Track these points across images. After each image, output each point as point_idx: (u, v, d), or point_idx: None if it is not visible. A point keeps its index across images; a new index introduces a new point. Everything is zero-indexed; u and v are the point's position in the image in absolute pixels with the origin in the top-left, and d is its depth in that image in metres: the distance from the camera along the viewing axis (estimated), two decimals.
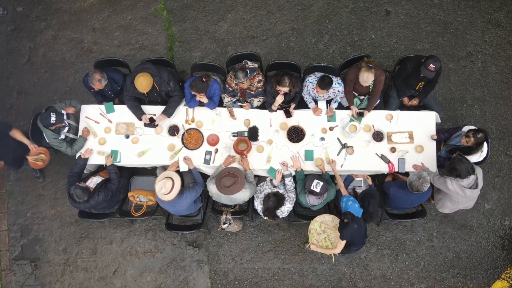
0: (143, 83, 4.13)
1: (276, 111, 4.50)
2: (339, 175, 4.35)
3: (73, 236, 5.16)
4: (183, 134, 4.48)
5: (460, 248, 4.96)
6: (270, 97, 4.39)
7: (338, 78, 4.44)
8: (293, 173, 4.31)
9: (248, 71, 4.16)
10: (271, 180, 4.27)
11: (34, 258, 5.15)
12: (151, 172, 4.94)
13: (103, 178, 4.33)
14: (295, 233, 5.03)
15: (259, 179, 4.51)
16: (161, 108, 4.48)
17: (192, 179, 4.37)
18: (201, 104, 4.50)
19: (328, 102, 4.58)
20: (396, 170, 4.35)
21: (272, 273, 4.98)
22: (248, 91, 4.38)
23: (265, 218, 4.04)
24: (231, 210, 4.46)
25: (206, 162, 4.42)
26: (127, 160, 4.46)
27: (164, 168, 4.54)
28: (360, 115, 4.44)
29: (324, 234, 4.12)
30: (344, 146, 4.41)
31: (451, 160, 3.79)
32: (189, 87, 4.22)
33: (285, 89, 4.16)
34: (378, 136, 4.40)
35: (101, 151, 4.46)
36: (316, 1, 5.64)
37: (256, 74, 4.29)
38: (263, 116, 4.53)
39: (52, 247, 5.15)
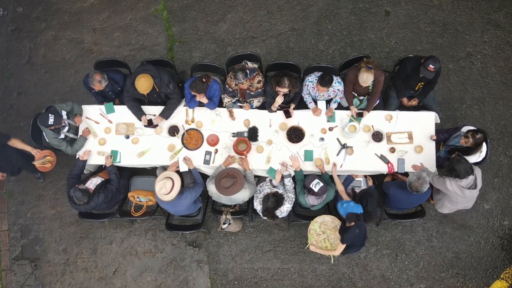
0: (143, 84, 4.14)
1: (275, 111, 4.51)
2: (339, 175, 4.37)
3: (73, 236, 5.17)
4: (183, 134, 4.49)
5: (460, 248, 4.97)
6: (269, 97, 4.40)
7: (338, 77, 4.45)
8: (293, 174, 4.32)
9: (247, 71, 4.17)
10: (270, 181, 4.28)
11: (34, 258, 5.16)
12: (151, 172, 4.95)
13: (103, 179, 4.34)
14: (295, 233, 5.04)
15: (259, 179, 4.52)
16: (161, 108, 4.49)
17: (192, 179, 4.38)
18: (201, 104, 4.51)
19: (328, 102, 4.59)
20: (396, 170, 4.35)
21: (271, 273, 4.99)
22: (248, 91, 4.39)
23: (265, 218, 4.05)
24: (230, 210, 4.46)
25: (206, 162, 4.43)
26: (127, 160, 4.47)
27: (164, 168, 4.55)
28: (360, 115, 4.45)
29: (323, 235, 4.13)
30: (344, 146, 4.42)
31: (450, 161, 3.80)
32: (189, 87, 4.23)
33: (285, 90, 4.17)
34: (377, 137, 4.41)
35: (101, 151, 4.47)
36: (316, 2, 5.65)
37: (256, 74, 4.30)
38: (262, 116, 4.54)
39: (52, 247, 5.16)
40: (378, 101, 4.58)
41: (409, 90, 4.59)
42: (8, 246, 5.20)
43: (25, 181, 5.30)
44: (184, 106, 4.57)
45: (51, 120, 4.06)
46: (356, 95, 4.58)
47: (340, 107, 4.65)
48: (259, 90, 4.40)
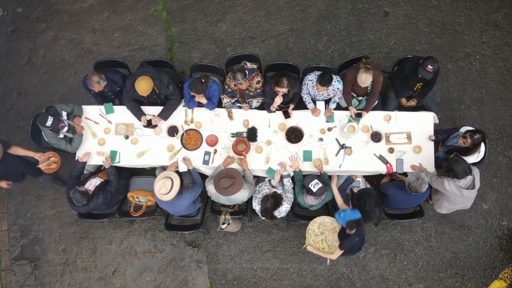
0: (144, 87, 4.15)
1: (274, 111, 4.52)
2: (338, 175, 4.38)
3: (72, 236, 5.18)
4: (182, 134, 4.50)
5: (458, 248, 4.98)
6: (269, 98, 4.41)
7: (338, 76, 4.46)
8: (292, 174, 4.33)
9: (247, 72, 4.18)
10: (269, 181, 4.29)
11: (34, 258, 5.17)
12: (151, 172, 4.96)
13: (102, 180, 4.34)
14: (294, 233, 5.05)
15: (258, 179, 4.52)
16: (161, 109, 4.50)
17: (191, 180, 4.39)
18: (200, 105, 4.52)
19: (327, 102, 4.60)
20: (394, 170, 4.36)
21: (271, 273, 5.00)
22: (247, 92, 4.40)
23: (263, 218, 4.06)
24: (230, 210, 4.48)
25: (205, 162, 4.44)
26: (126, 160, 4.48)
27: (164, 168, 4.55)
28: (358, 115, 4.46)
29: (322, 235, 4.13)
30: (343, 146, 4.43)
31: (448, 161, 3.81)
32: (188, 88, 4.24)
33: (284, 90, 4.18)
34: (376, 137, 4.42)
35: (101, 151, 4.48)
36: (315, 2, 5.66)
37: (255, 75, 4.31)
38: (262, 116, 4.55)
39: (52, 247, 5.17)
40: (377, 101, 4.59)
41: (407, 91, 4.60)
42: (7, 246, 5.21)
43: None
44: (183, 106, 4.58)
45: (49, 122, 4.06)
46: (355, 95, 4.59)
47: (339, 107, 4.66)
48: (258, 90, 4.41)
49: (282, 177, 4.23)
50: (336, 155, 4.43)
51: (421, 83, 4.47)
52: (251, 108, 4.59)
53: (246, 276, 5.01)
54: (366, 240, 4.80)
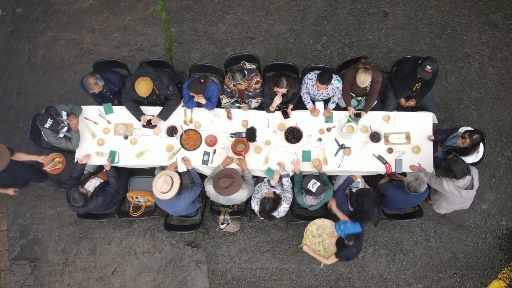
0: (144, 88, 4.16)
1: (274, 112, 4.52)
2: (336, 175, 4.37)
3: (72, 236, 5.18)
4: (181, 135, 4.50)
5: (457, 248, 4.98)
6: (268, 98, 4.41)
7: (337, 75, 4.47)
8: (291, 174, 4.33)
9: (246, 72, 4.18)
10: (268, 181, 4.30)
11: (33, 258, 5.17)
12: (150, 172, 4.97)
13: (102, 181, 4.34)
14: (293, 233, 5.05)
15: (257, 179, 4.52)
16: (160, 109, 4.50)
17: (190, 180, 4.39)
18: (199, 105, 4.52)
19: (326, 103, 4.61)
20: (393, 170, 4.37)
21: (270, 273, 5.00)
22: (246, 92, 4.41)
23: (262, 218, 4.06)
24: (229, 210, 4.48)
25: (204, 162, 4.44)
26: (125, 160, 4.48)
27: (163, 168, 4.55)
28: (358, 116, 4.46)
29: (319, 238, 4.11)
30: (342, 146, 4.43)
31: (447, 161, 3.82)
32: (187, 88, 4.24)
33: (283, 90, 4.18)
34: (375, 137, 4.43)
35: (100, 151, 4.48)
36: (314, 3, 5.67)
37: (254, 75, 4.32)
38: (261, 117, 4.56)
39: (51, 247, 5.17)
40: (376, 101, 4.59)
41: (406, 91, 4.60)
42: (7, 246, 5.21)
43: None
44: (182, 106, 4.58)
45: (47, 125, 4.06)
46: (354, 95, 4.60)
47: (338, 107, 4.66)
48: (257, 90, 4.41)
49: (281, 177, 4.23)
50: (335, 155, 4.44)
51: (420, 83, 4.48)
52: (250, 108, 4.59)
53: (245, 276, 5.01)
54: (366, 240, 4.82)
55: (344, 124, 4.41)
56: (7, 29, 5.74)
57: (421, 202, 4.37)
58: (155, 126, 4.51)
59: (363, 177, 4.53)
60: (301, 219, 4.41)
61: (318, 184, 3.88)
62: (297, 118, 4.53)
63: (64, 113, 4.34)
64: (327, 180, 4.29)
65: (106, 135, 4.54)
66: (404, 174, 4.38)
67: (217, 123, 4.56)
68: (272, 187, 4.23)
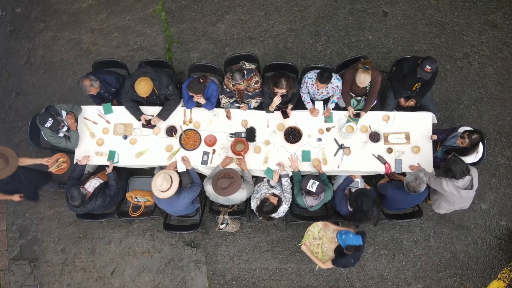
0: (144, 88, 4.16)
1: (273, 112, 4.52)
2: (336, 175, 4.36)
3: (71, 236, 5.18)
4: (181, 134, 4.50)
5: (457, 248, 4.98)
6: (267, 98, 4.41)
7: (337, 74, 4.47)
8: (290, 174, 4.33)
9: (245, 72, 4.18)
10: (268, 181, 4.29)
11: (32, 258, 5.17)
12: (149, 172, 4.96)
13: (102, 182, 4.34)
14: (293, 233, 5.05)
15: (256, 179, 4.52)
16: (160, 109, 4.50)
17: (189, 180, 4.39)
18: (198, 105, 4.52)
19: (325, 103, 4.60)
20: (393, 170, 4.36)
21: (269, 273, 5.00)
22: (245, 92, 4.40)
23: (260, 217, 4.06)
24: (228, 210, 4.47)
25: (204, 162, 4.44)
26: (125, 160, 4.48)
27: (162, 168, 4.55)
28: (357, 116, 4.46)
29: (319, 240, 4.10)
30: (341, 146, 4.43)
31: (446, 161, 3.82)
32: (187, 88, 4.24)
33: (282, 91, 4.18)
34: (374, 137, 4.42)
35: (99, 151, 4.48)
36: (314, 2, 5.67)
37: (254, 75, 4.31)
38: (260, 117, 4.55)
39: (51, 247, 5.17)
40: (375, 101, 4.58)
41: (406, 91, 4.60)
42: (6, 246, 5.21)
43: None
44: (182, 106, 4.58)
45: (48, 124, 4.07)
46: (353, 95, 4.59)
47: (337, 107, 4.65)
48: (257, 90, 4.41)
49: (280, 177, 4.23)
50: (335, 155, 4.43)
51: (419, 83, 4.47)
52: (249, 108, 4.59)
53: (245, 276, 5.01)
54: (365, 240, 4.81)
55: (343, 124, 4.40)
56: (6, 29, 5.74)
57: (421, 202, 4.37)
58: (154, 126, 4.51)
59: (363, 177, 4.53)
60: (300, 219, 4.40)
61: (317, 183, 3.88)
62: (296, 118, 4.53)
63: (64, 113, 4.34)
64: (326, 180, 4.29)
65: (105, 135, 4.54)
66: (404, 174, 4.38)
67: (217, 123, 4.55)
68: (271, 187, 4.22)
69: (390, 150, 4.41)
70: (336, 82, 4.39)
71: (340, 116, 4.53)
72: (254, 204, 4.12)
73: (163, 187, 3.89)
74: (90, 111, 4.59)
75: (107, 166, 4.36)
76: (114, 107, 4.59)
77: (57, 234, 5.19)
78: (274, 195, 4.05)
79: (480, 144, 4.02)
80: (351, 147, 4.43)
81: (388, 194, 4.15)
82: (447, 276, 4.93)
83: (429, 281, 4.93)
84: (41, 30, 5.72)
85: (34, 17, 5.77)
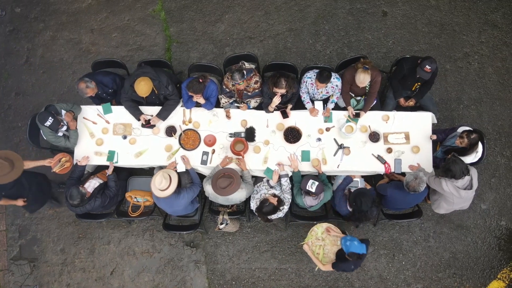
0: (143, 88, 4.15)
1: (273, 112, 4.51)
2: (336, 175, 4.35)
3: (71, 236, 5.17)
4: (180, 134, 4.49)
5: (457, 248, 4.97)
6: (267, 98, 4.40)
7: (336, 73, 4.46)
8: (290, 174, 4.32)
9: (245, 72, 4.18)
10: (267, 181, 4.29)
11: (32, 258, 5.17)
12: (149, 172, 4.96)
13: (101, 182, 4.34)
14: (292, 233, 5.04)
15: (256, 179, 4.52)
16: (159, 109, 4.49)
17: (189, 180, 4.38)
18: (198, 105, 4.51)
19: (325, 102, 4.60)
20: (392, 170, 4.36)
21: (269, 273, 4.99)
22: (245, 92, 4.40)
23: (259, 218, 4.06)
24: (228, 210, 4.47)
25: (203, 162, 4.43)
26: (124, 160, 4.47)
27: (162, 168, 4.55)
28: (357, 115, 4.46)
29: (321, 241, 4.09)
30: (341, 146, 4.43)
31: (446, 161, 3.82)
32: (186, 88, 4.23)
33: (282, 91, 4.17)
34: (374, 137, 4.42)
35: (99, 151, 4.48)
36: (313, 2, 5.66)
37: (253, 75, 4.31)
38: (260, 117, 4.55)
39: (50, 247, 5.17)
40: (375, 101, 4.58)
41: (406, 91, 4.59)
42: (6, 246, 5.20)
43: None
44: (181, 106, 4.58)
45: (48, 123, 4.07)
46: (353, 95, 4.59)
47: (337, 107, 4.65)
48: (256, 90, 4.40)
49: (280, 177, 4.23)
50: (334, 155, 4.43)
51: (419, 83, 4.47)
52: (249, 108, 4.58)
53: (245, 276, 5.00)
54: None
55: (343, 124, 4.40)
56: (6, 29, 5.73)
57: (420, 202, 4.37)
58: (154, 126, 4.50)
59: (363, 177, 4.53)
60: (300, 219, 4.40)
61: (317, 183, 3.87)
62: (296, 118, 4.52)
63: (63, 112, 4.34)
64: (326, 180, 4.28)
65: (105, 135, 4.53)
66: (403, 174, 4.37)
67: (216, 123, 4.55)
68: (271, 187, 4.22)
69: (389, 150, 4.41)
70: (335, 81, 4.39)
71: (339, 116, 4.52)
72: (253, 205, 4.12)
73: (162, 186, 3.88)
74: (90, 111, 4.59)
75: (107, 167, 4.36)
76: (113, 107, 4.58)
77: (57, 234, 5.19)
78: (274, 195, 4.04)
79: (480, 144, 4.02)
80: (351, 147, 4.43)
81: (387, 194, 4.15)
82: (447, 276, 4.93)
83: (428, 281, 4.92)
84: (41, 30, 5.72)
85: (34, 17, 5.77)
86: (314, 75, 4.32)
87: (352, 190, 4.28)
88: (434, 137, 4.36)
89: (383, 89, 5.01)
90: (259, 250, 5.04)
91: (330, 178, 4.65)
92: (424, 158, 4.36)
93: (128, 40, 5.64)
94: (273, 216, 4.00)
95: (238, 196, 4.05)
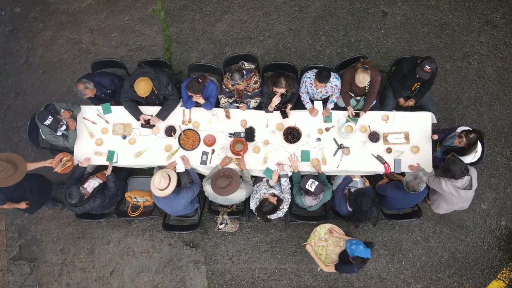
0: (143, 88, 4.15)
1: (272, 111, 4.51)
2: (336, 175, 4.35)
3: (70, 236, 5.17)
4: (180, 134, 4.49)
5: (456, 248, 4.97)
6: (266, 98, 4.40)
7: (336, 73, 4.46)
8: (289, 174, 4.32)
9: (244, 72, 4.17)
10: (267, 181, 4.29)
11: (31, 258, 5.17)
12: (148, 172, 4.95)
13: (101, 182, 4.33)
14: (292, 233, 5.04)
15: (256, 179, 4.52)
16: (159, 108, 4.49)
17: (189, 179, 4.39)
18: (197, 105, 4.51)
19: (324, 102, 4.60)
20: (392, 170, 4.36)
21: (269, 273, 4.99)
22: (244, 92, 4.40)
23: (259, 218, 4.06)
24: (227, 210, 4.47)
25: (203, 162, 4.43)
26: (124, 160, 4.47)
27: (161, 168, 4.55)
28: (356, 115, 4.46)
29: (324, 242, 4.09)
30: (340, 146, 4.43)
31: (445, 161, 3.82)
32: (186, 88, 4.23)
33: (282, 90, 4.17)
34: (374, 137, 4.42)
35: (98, 151, 4.47)
36: (313, 2, 5.66)
37: (253, 75, 4.31)
38: (259, 116, 4.55)
39: (50, 248, 5.16)
40: (374, 101, 4.58)
41: (405, 91, 4.59)
42: (5, 246, 5.20)
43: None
44: (181, 106, 4.57)
45: (47, 122, 4.08)
46: (353, 95, 4.59)
47: (337, 107, 4.65)
48: (256, 90, 4.40)
49: (279, 177, 4.22)
50: (334, 155, 4.43)
51: (419, 83, 4.47)
52: (248, 108, 4.58)
53: (244, 276, 5.00)
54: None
55: (343, 124, 4.40)
56: (5, 29, 5.73)
57: (420, 202, 4.36)
58: (153, 126, 4.50)
59: (362, 176, 4.52)
60: (300, 219, 4.40)
61: (316, 183, 3.87)
62: (296, 118, 4.52)
63: (63, 111, 4.33)
64: (326, 180, 4.28)
65: (104, 135, 4.53)
66: (403, 174, 4.37)
67: (216, 123, 4.55)
68: (270, 187, 4.22)
69: (389, 150, 4.40)
70: (334, 81, 4.38)
71: (339, 116, 4.52)
72: (253, 205, 4.12)
73: (161, 185, 3.88)
74: (89, 111, 4.58)
75: (107, 167, 4.36)
76: (113, 107, 4.58)
77: (56, 234, 5.19)
78: (273, 195, 4.04)
79: (479, 144, 4.02)
80: (351, 147, 4.43)
81: (387, 194, 4.15)
82: (447, 276, 4.93)
83: (428, 281, 4.92)
84: (40, 30, 5.71)
85: (33, 17, 5.76)
86: (314, 75, 4.32)
87: (352, 190, 4.28)
88: (436, 136, 4.36)
89: (382, 89, 5.01)
90: (258, 250, 5.03)
91: (330, 178, 4.65)
92: (424, 158, 4.36)
93: (127, 40, 5.64)
94: (273, 216, 4.00)
95: (237, 196, 4.05)
